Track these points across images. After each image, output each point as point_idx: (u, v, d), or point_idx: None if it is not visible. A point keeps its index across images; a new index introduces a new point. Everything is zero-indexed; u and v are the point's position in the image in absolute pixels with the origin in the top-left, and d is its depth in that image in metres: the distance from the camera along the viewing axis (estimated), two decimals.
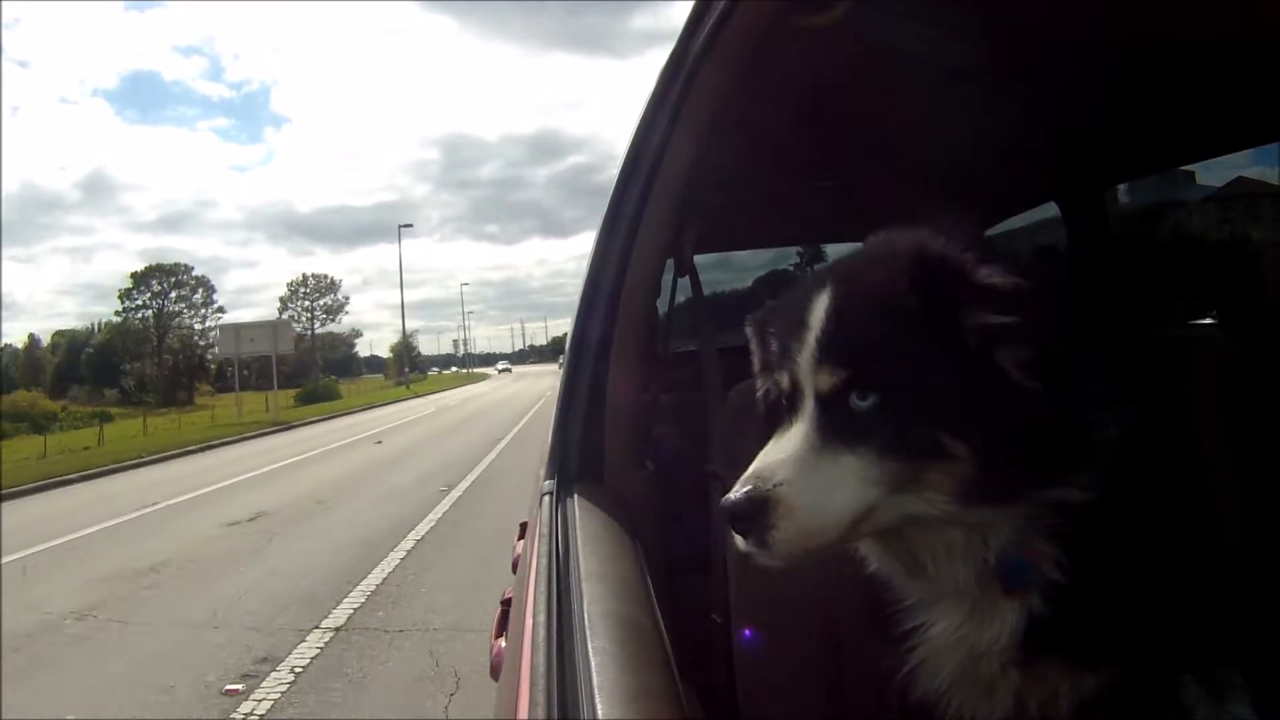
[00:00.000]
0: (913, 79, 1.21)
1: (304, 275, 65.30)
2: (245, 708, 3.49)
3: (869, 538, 0.78)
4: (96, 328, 57.65)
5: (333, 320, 65.45)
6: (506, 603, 1.29)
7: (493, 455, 12.10)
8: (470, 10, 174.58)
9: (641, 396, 1.28)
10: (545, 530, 1.04)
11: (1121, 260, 2.08)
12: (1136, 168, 1.95)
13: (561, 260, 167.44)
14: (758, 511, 0.70)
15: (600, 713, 0.62)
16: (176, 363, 52.91)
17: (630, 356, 1.21)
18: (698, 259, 1.42)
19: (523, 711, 0.72)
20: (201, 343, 55.04)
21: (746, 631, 1.12)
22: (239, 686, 3.72)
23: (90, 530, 8.25)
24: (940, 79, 1.21)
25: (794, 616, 1.07)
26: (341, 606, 4.80)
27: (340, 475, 11.26)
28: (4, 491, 12.18)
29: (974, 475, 0.68)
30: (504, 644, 1.16)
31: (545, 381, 33.37)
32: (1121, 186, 2.13)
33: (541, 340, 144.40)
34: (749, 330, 0.88)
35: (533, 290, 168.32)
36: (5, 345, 58.38)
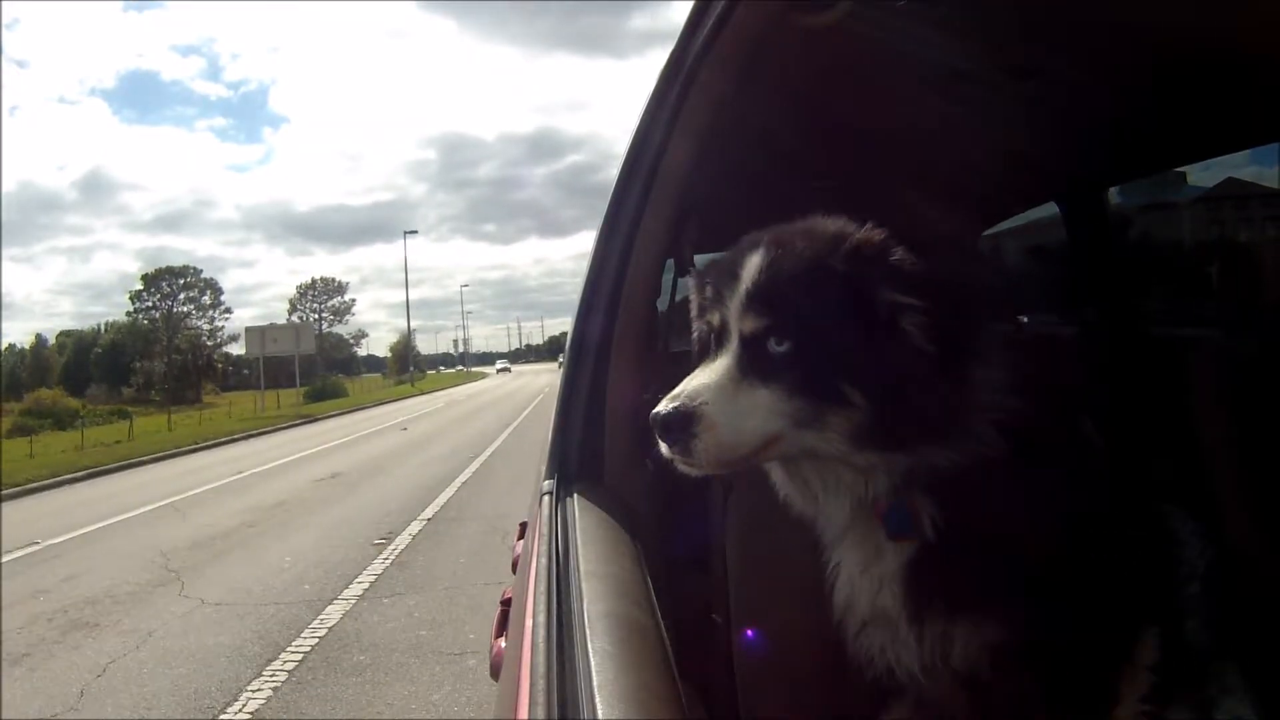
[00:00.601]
0: (913, 79, 1.21)
1: (313, 279, 67.75)
2: (389, 549, 6.15)
3: (776, 463, 0.90)
4: (103, 328, 59.12)
5: (340, 321, 66.91)
6: (506, 603, 1.29)
7: (504, 436, 14.60)
8: (470, 11, 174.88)
9: (641, 396, 1.28)
10: (545, 530, 1.04)
11: (1119, 260, 2.09)
12: (1136, 168, 1.95)
13: (559, 259, 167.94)
14: (685, 423, 0.82)
15: (600, 712, 0.62)
16: (185, 362, 54.14)
17: (630, 356, 1.21)
18: (697, 259, 1.42)
19: (523, 711, 0.72)
20: (210, 343, 56.67)
21: (747, 631, 1.12)
22: (382, 541, 6.44)
23: (205, 489, 10.40)
24: (941, 79, 1.21)
25: (794, 616, 1.07)
26: (425, 511, 7.60)
27: (383, 451, 13.77)
28: (96, 469, 13.98)
29: (866, 422, 0.80)
30: (504, 644, 1.16)
31: (543, 379, 37.43)
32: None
33: (538, 339, 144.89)
34: (691, 280, 0.99)
35: (530, 290, 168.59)
36: (8, 346, 59.19)
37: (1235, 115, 1.49)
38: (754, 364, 0.83)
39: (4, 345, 58.67)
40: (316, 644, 4.20)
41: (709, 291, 0.91)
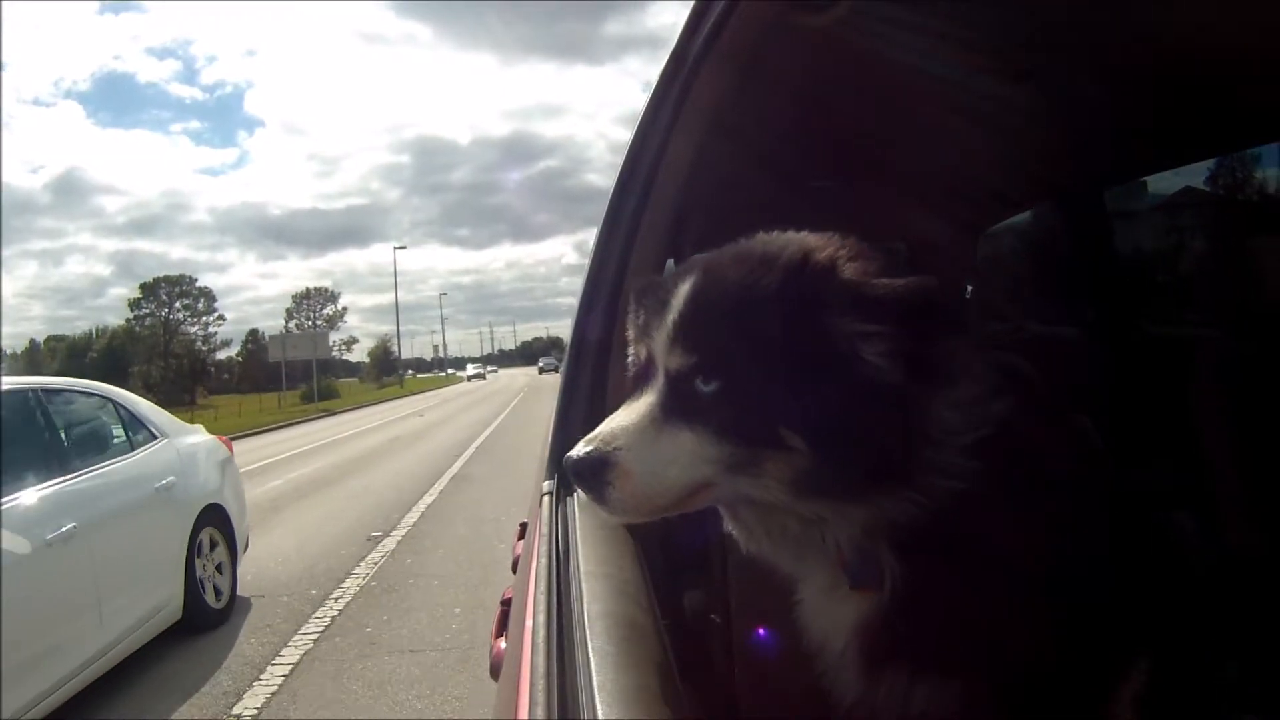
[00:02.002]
0: (912, 79, 1.21)
1: (307, 288, 71.65)
2: (455, 465, 10.75)
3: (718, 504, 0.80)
4: (95, 333, 61.19)
5: (333, 328, 69.13)
6: (506, 603, 1.29)
7: (501, 417, 19.80)
8: (445, 16, 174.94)
9: None
10: (545, 530, 1.04)
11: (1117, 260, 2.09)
12: (1136, 168, 1.95)
13: (531, 264, 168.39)
14: (597, 470, 0.74)
15: (600, 713, 0.62)
16: (180, 366, 56.40)
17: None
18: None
19: (523, 711, 0.72)
20: (205, 348, 59.83)
21: (747, 631, 1.12)
22: (448, 461, 11.19)
23: (316, 445, 15.54)
24: (941, 79, 1.21)
25: (793, 617, 1.07)
26: (467, 451, 12.48)
27: (413, 430, 18.10)
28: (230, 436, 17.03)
29: (809, 468, 0.70)
30: (504, 644, 1.16)
31: (520, 380, 43.89)
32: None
33: (510, 345, 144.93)
34: (631, 299, 0.90)
35: (502, 294, 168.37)
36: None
37: (1235, 115, 1.49)
38: (680, 404, 0.74)
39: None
40: (442, 490, 8.86)
41: (640, 320, 0.83)
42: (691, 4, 1.03)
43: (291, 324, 65.38)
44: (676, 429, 0.74)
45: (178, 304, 59.36)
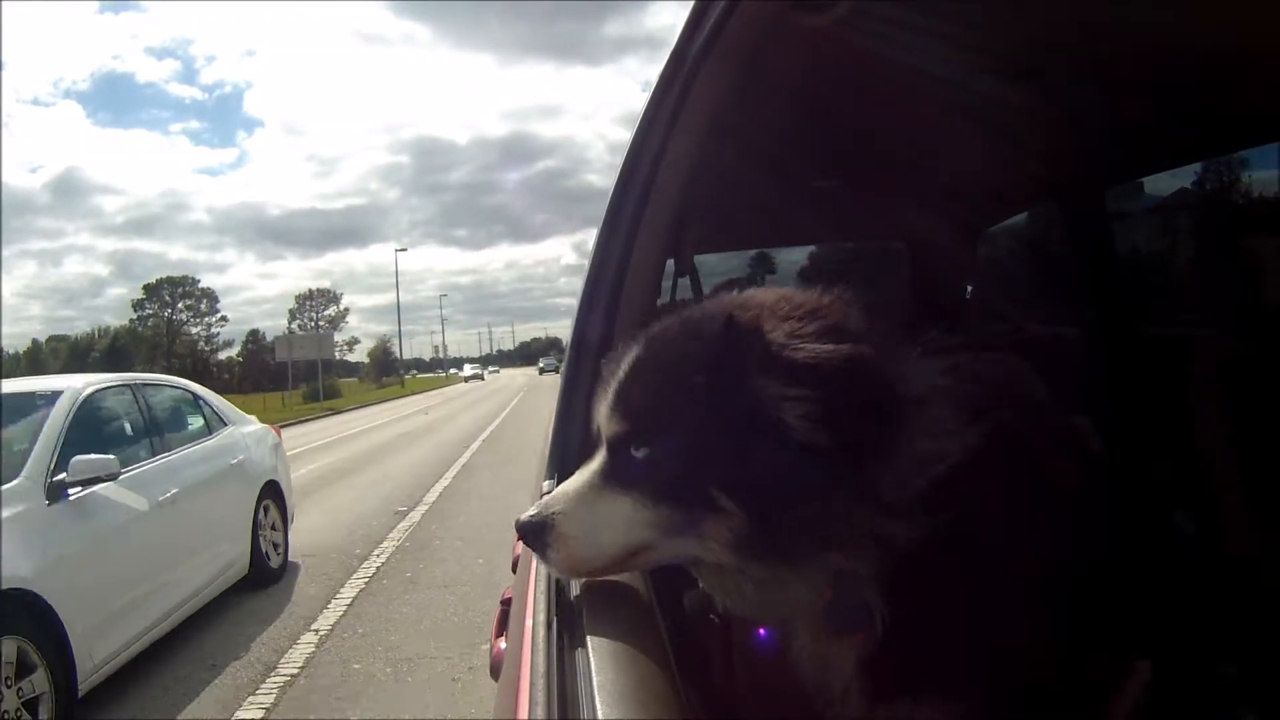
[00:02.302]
0: (912, 79, 1.21)
1: (310, 290, 73.01)
2: (466, 453, 11.98)
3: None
4: (97, 333, 62.73)
5: (335, 329, 69.79)
6: (506, 603, 1.29)
7: (505, 413, 21.14)
8: (444, 16, 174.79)
9: None
10: None
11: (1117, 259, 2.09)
12: (1136, 168, 1.95)
13: (530, 264, 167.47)
14: (538, 533, 0.78)
15: (600, 713, 0.62)
16: (182, 366, 57.48)
17: None
18: (697, 259, 1.41)
19: (523, 711, 0.72)
20: (207, 349, 61.30)
21: (747, 631, 1.12)
22: (468, 446, 13.08)
23: (329, 440, 16.02)
24: (941, 79, 1.21)
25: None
26: (473, 445, 13.18)
27: (425, 424, 19.15)
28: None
29: (745, 530, 0.70)
30: (504, 644, 1.16)
31: (520, 380, 45.84)
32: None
33: (509, 345, 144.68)
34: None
35: (501, 295, 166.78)
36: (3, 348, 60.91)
37: (1235, 115, 1.50)
38: (617, 470, 0.77)
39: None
40: (455, 475, 9.67)
41: (598, 390, 0.85)
42: (691, 4, 1.03)
43: (294, 324, 66.74)
44: (614, 493, 0.76)
45: (180, 305, 61.08)
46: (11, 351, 63.34)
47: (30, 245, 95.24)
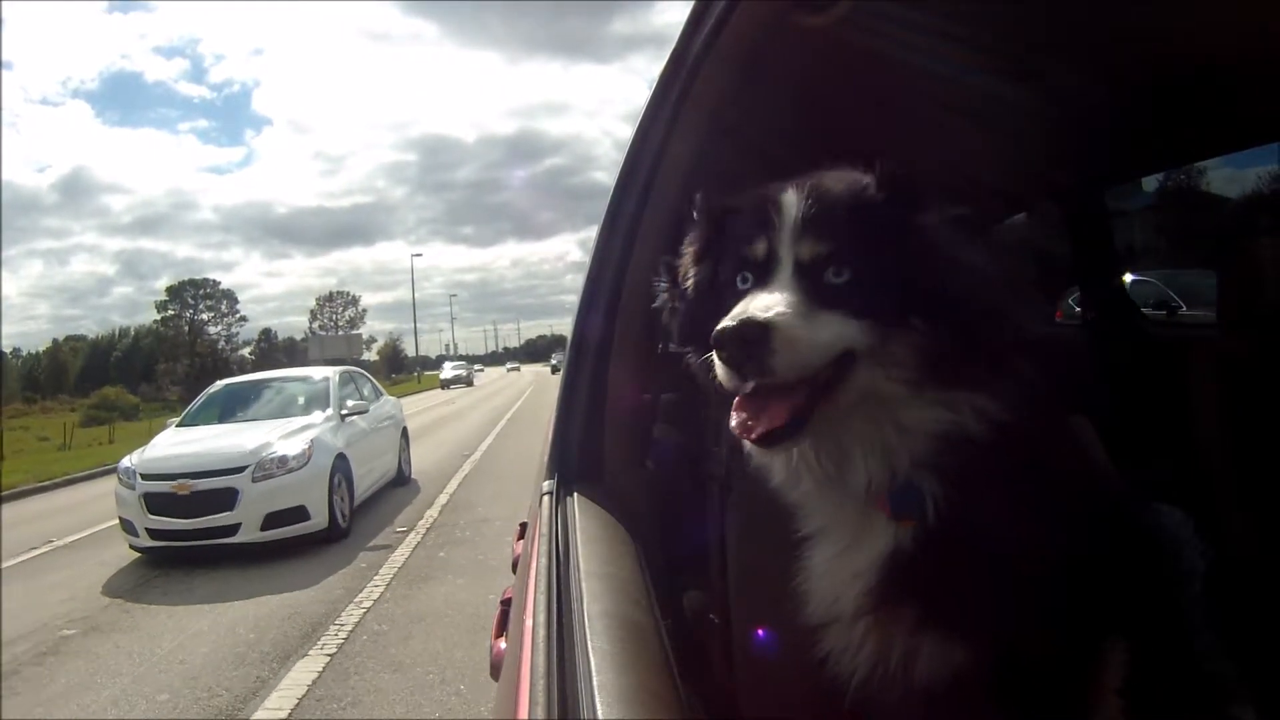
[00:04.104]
0: (912, 79, 1.21)
1: (331, 292, 76.06)
2: (491, 434, 15.18)
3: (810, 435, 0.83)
4: (118, 334, 65.58)
5: (353, 330, 71.30)
6: (506, 603, 1.29)
7: (521, 401, 24.87)
8: (451, 14, 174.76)
9: (641, 396, 1.27)
10: (545, 530, 1.04)
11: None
12: (1136, 168, 1.96)
13: (536, 261, 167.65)
14: (759, 337, 0.76)
15: (600, 713, 0.62)
16: (204, 365, 59.40)
17: (630, 356, 1.21)
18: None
19: (523, 711, 0.72)
20: (227, 348, 63.92)
21: (746, 631, 1.12)
22: (497, 423, 17.71)
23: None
24: (941, 79, 1.21)
25: (793, 617, 1.07)
26: (500, 423, 17.45)
27: (454, 410, 23.47)
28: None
29: (930, 349, 0.77)
30: (504, 644, 1.16)
31: (527, 377, 51.34)
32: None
33: (514, 342, 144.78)
34: (696, 214, 0.95)
35: (506, 292, 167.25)
36: (12, 350, 62.29)
37: (1235, 115, 1.50)
38: (810, 292, 0.79)
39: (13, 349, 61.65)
40: (498, 435, 14.86)
41: (737, 228, 0.88)
42: (692, 3, 1.03)
43: (315, 325, 69.72)
44: (813, 310, 0.78)
45: (201, 305, 63.30)
46: (27, 351, 64.83)
47: (37, 245, 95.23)
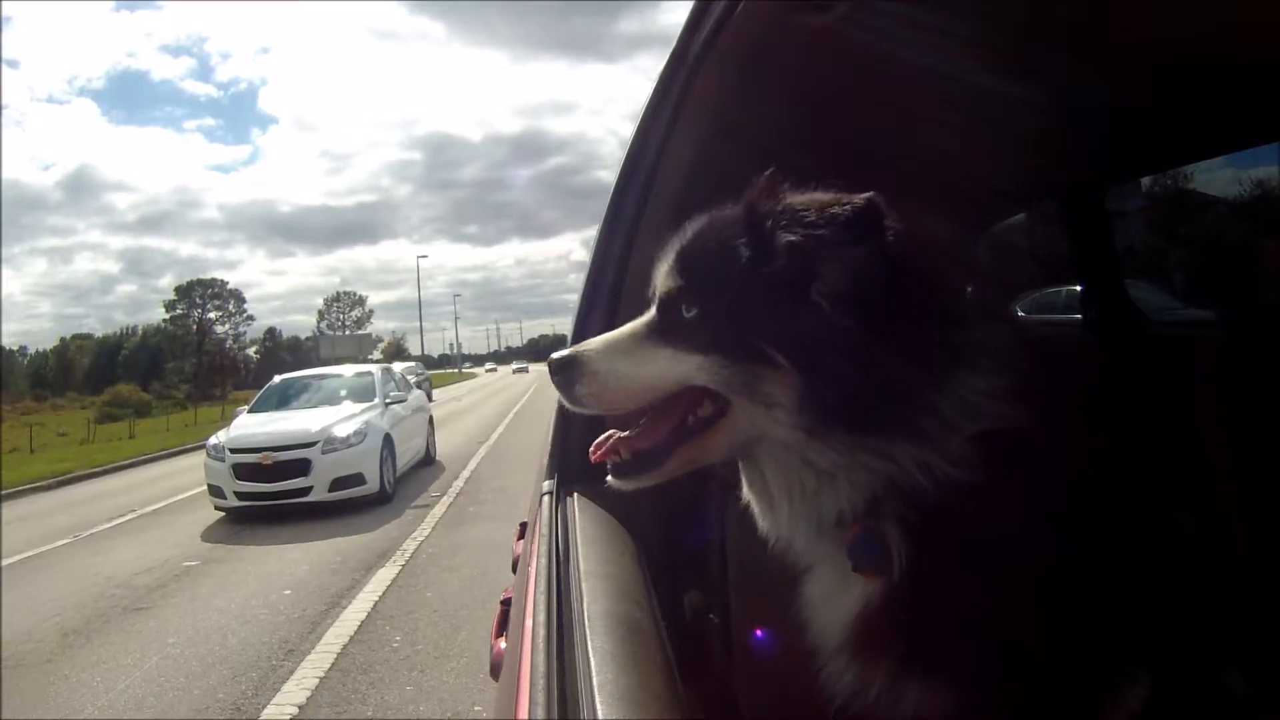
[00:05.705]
0: (913, 79, 1.21)
1: (337, 292, 78.44)
2: (501, 424, 17.90)
3: (741, 464, 0.84)
4: (125, 332, 67.29)
5: (359, 329, 71.95)
6: (506, 603, 1.29)
7: (527, 397, 26.66)
8: (457, 13, 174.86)
9: None
10: (545, 530, 1.04)
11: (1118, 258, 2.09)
12: (1136, 168, 1.95)
13: (539, 260, 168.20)
14: (566, 368, 0.85)
15: (600, 713, 0.62)
16: (212, 363, 61.18)
17: None
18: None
19: (523, 711, 0.72)
20: (235, 347, 65.39)
21: (746, 631, 1.12)
22: (505, 415, 20.24)
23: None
24: (941, 79, 1.21)
25: (793, 617, 1.07)
26: (508, 417, 19.70)
27: (466, 405, 25.82)
28: None
29: (806, 389, 0.72)
30: (504, 644, 1.16)
31: (530, 375, 52.41)
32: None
33: (517, 342, 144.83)
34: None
35: (510, 291, 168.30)
36: (19, 347, 62.88)
37: (1235, 115, 1.49)
38: (664, 327, 0.82)
39: (18, 347, 62.33)
40: (505, 427, 17.09)
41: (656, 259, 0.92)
42: (692, 3, 1.03)
43: (322, 324, 72.25)
44: (655, 344, 0.82)
45: (210, 305, 64.29)
46: (34, 349, 65.91)
47: (41, 243, 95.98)
